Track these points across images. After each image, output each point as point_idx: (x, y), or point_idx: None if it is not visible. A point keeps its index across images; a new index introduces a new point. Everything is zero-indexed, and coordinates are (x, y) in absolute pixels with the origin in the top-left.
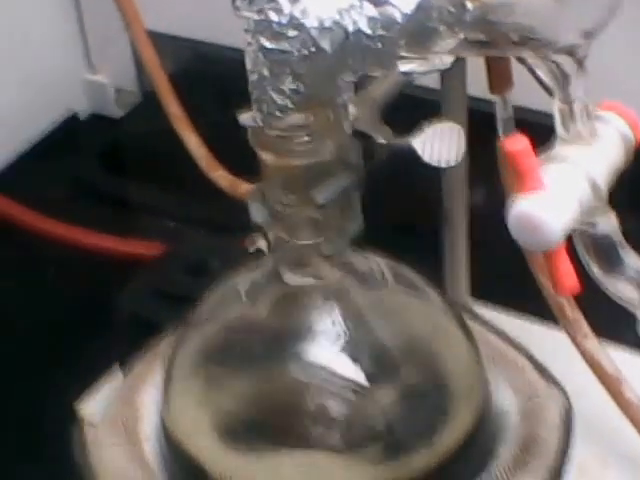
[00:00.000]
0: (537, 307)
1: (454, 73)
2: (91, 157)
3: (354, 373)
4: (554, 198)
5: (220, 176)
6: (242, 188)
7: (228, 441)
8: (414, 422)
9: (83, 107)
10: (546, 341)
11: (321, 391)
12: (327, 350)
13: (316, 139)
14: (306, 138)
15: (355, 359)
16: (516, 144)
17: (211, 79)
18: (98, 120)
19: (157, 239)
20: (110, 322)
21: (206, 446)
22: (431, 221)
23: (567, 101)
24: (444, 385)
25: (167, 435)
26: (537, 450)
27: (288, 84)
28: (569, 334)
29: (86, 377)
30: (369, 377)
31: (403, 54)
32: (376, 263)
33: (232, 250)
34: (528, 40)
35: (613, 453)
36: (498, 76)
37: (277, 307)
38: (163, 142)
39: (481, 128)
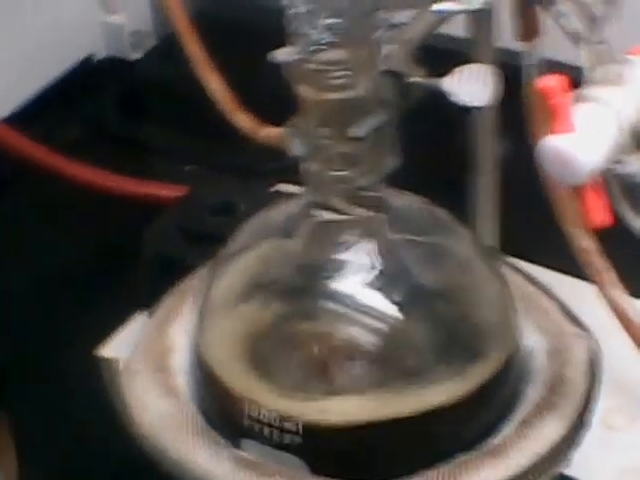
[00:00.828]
0: (563, 263)
1: (482, 21)
2: (107, 99)
3: (387, 307)
4: (584, 136)
5: (241, 119)
6: (263, 132)
7: (261, 372)
8: (445, 357)
9: (99, 49)
10: (573, 292)
11: (353, 323)
12: (360, 283)
13: (351, 74)
14: (342, 73)
15: (388, 293)
16: (550, 81)
17: (230, 23)
18: (114, 62)
19: (173, 182)
20: (130, 265)
21: (240, 376)
22: (460, 173)
23: (596, 43)
24: (475, 322)
25: (201, 366)
26: (564, 391)
27: (325, 20)
28: (596, 283)
29: (108, 321)
30: (401, 311)
31: None
32: (410, 201)
33: (256, 191)
34: None
35: (638, 405)
36: (525, 24)
37: (311, 241)
38: (181, 85)
39: (508, 80)
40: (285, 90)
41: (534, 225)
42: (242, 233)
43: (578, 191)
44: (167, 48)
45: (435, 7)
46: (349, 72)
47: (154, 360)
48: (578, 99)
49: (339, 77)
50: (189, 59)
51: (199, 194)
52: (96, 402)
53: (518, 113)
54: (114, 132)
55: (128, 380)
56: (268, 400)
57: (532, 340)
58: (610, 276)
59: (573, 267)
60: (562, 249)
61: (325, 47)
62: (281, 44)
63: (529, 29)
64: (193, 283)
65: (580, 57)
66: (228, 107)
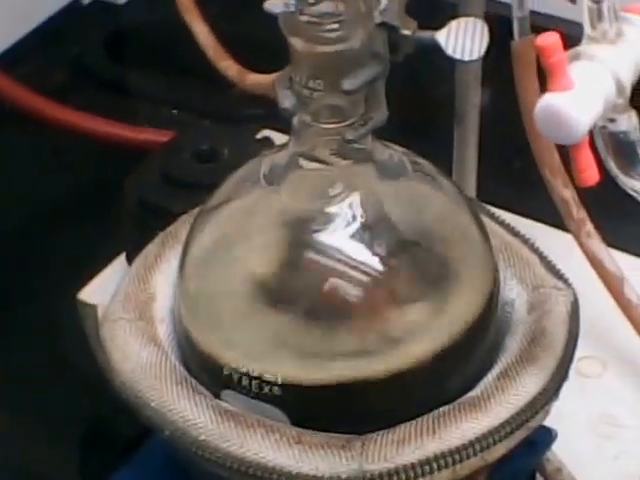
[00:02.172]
0: (540, 212)
1: None
2: (93, 43)
3: (369, 259)
4: (581, 94)
5: (228, 66)
6: (250, 79)
7: (242, 325)
8: (425, 309)
9: None
10: (550, 241)
11: (335, 276)
12: (344, 236)
13: (346, 27)
14: (336, 25)
15: (371, 245)
16: (547, 39)
17: None
18: (101, 6)
19: (159, 126)
20: (115, 209)
21: (219, 329)
22: (443, 121)
23: (595, 0)
24: (456, 272)
25: (180, 317)
26: (544, 343)
27: None
28: (573, 233)
29: (90, 266)
30: (384, 263)
31: None
32: (395, 153)
33: (241, 137)
34: None
35: (612, 354)
36: None
37: (296, 192)
38: (167, 30)
39: (496, 32)
40: (272, 38)
41: (511, 174)
42: (227, 183)
43: (571, 149)
44: None
45: None
46: (343, 25)
47: (135, 308)
48: (574, 57)
49: (333, 30)
50: (176, 4)
51: (183, 140)
52: (77, 345)
53: (504, 65)
54: (100, 76)
55: (109, 328)
56: (247, 356)
57: (512, 292)
58: (588, 226)
59: (550, 216)
60: (539, 198)
61: None
62: None
63: None
64: (176, 231)
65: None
66: (214, 54)
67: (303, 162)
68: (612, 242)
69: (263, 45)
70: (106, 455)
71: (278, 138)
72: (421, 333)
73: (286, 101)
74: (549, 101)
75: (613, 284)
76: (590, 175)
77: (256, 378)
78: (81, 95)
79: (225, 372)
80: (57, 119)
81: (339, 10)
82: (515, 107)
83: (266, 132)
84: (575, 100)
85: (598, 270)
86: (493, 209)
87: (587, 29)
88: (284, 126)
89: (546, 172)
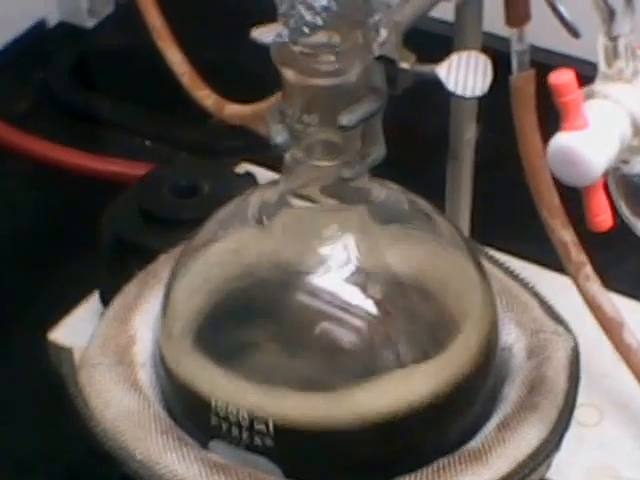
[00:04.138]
0: (540, 253)
1: (470, 5)
2: (60, 68)
3: (363, 301)
4: (596, 135)
5: (205, 95)
6: (228, 109)
7: (229, 368)
8: (422, 354)
9: (52, 14)
10: (548, 284)
11: (327, 318)
12: (336, 277)
13: (342, 60)
14: (332, 58)
15: (365, 287)
16: (561, 77)
17: None
18: (68, 29)
19: (132, 158)
20: (87, 245)
21: (205, 372)
22: (437, 159)
23: (612, 37)
24: (455, 318)
25: (163, 360)
26: (545, 391)
27: (320, 0)
28: (571, 275)
29: (61, 305)
30: (378, 306)
31: None
32: (392, 192)
33: (221, 172)
34: None
35: (610, 401)
36: (515, 7)
37: (287, 232)
38: (138, 55)
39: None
40: (251, 66)
41: (507, 212)
42: (212, 221)
43: (584, 192)
44: (124, 15)
45: None
46: (340, 57)
47: (115, 352)
48: (588, 95)
49: (329, 62)
50: (148, 28)
51: (160, 174)
52: (51, 389)
53: (500, 99)
54: (66, 103)
55: (88, 373)
56: (236, 398)
57: (511, 336)
58: (586, 269)
59: (546, 255)
60: (535, 238)
61: (317, 29)
62: (249, 18)
63: (519, 14)
64: (156, 270)
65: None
66: (190, 82)
67: (294, 201)
68: (611, 284)
69: (240, 74)
70: None
71: (259, 172)
72: (419, 380)
73: (278, 136)
74: (563, 141)
75: (612, 329)
76: (604, 219)
77: (247, 428)
78: (47, 123)
79: (213, 421)
80: (22, 148)
81: (335, 41)
82: (512, 143)
83: (245, 165)
84: (590, 140)
85: (596, 314)
86: (488, 249)
87: (602, 67)
88: (263, 158)
89: (544, 212)
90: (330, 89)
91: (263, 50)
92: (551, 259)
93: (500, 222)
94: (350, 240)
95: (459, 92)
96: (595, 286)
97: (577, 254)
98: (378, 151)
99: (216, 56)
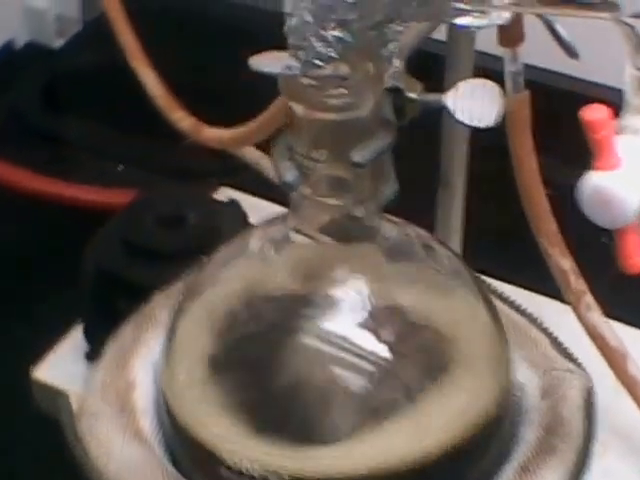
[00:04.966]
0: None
1: None
2: (28, 90)
3: (376, 347)
4: (630, 174)
5: (181, 117)
6: (206, 132)
7: (239, 418)
8: (437, 400)
9: (20, 34)
10: (548, 313)
11: (340, 365)
12: (348, 321)
13: (354, 93)
14: (344, 91)
15: (377, 332)
16: (595, 113)
17: (167, 9)
18: (36, 49)
19: (104, 183)
20: (68, 277)
21: (213, 423)
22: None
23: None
24: (469, 360)
25: (168, 411)
26: (562, 432)
27: (332, 31)
28: (571, 304)
29: (41, 342)
30: (392, 352)
31: (460, 6)
32: (401, 228)
33: (204, 200)
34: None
35: (614, 434)
36: (509, 28)
37: (295, 273)
38: (110, 76)
39: None
40: (226, 88)
41: (501, 240)
42: (214, 260)
43: (617, 233)
44: (94, 34)
45: (459, 21)
46: (352, 90)
47: (115, 399)
48: (619, 130)
49: (341, 96)
50: (120, 48)
51: (142, 203)
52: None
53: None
54: (36, 126)
55: (87, 423)
56: (249, 451)
57: (523, 376)
58: (587, 298)
59: (540, 283)
60: (532, 267)
61: (330, 61)
62: (225, 38)
63: (513, 35)
64: (152, 311)
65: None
66: (165, 104)
67: (302, 239)
68: (613, 313)
69: (216, 96)
70: None
71: (241, 198)
72: (434, 427)
73: (288, 174)
74: (596, 181)
75: (615, 360)
76: (638, 262)
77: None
78: (14, 147)
79: (223, 474)
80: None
81: (347, 73)
82: (506, 168)
83: (226, 190)
84: (624, 180)
85: (598, 344)
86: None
87: (630, 98)
88: (242, 182)
89: (543, 240)
90: (341, 124)
91: (241, 73)
92: (545, 285)
93: (494, 249)
94: (360, 280)
95: (467, 122)
96: (596, 315)
97: (577, 282)
98: (390, 187)
99: (190, 77)
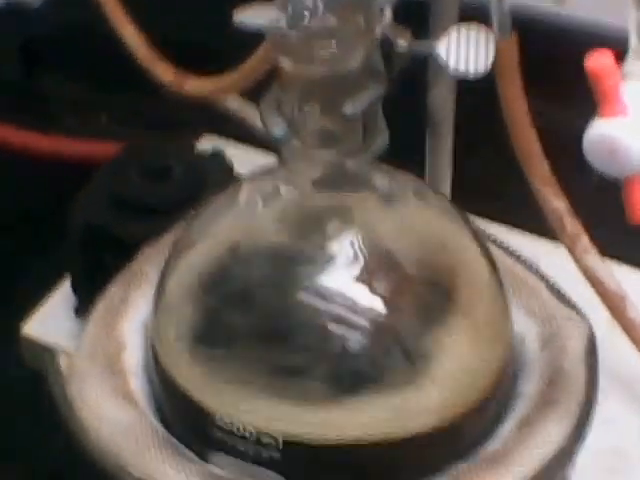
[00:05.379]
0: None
1: None
2: (7, 48)
3: (373, 302)
4: (637, 121)
5: (163, 70)
6: (188, 84)
7: (231, 377)
8: (436, 356)
9: None
10: (543, 255)
11: (335, 321)
12: (342, 275)
13: (344, 45)
14: (333, 44)
15: (373, 286)
16: (599, 60)
17: None
18: (14, 8)
19: (84, 136)
20: (54, 236)
21: (205, 382)
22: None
23: None
24: (468, 312)
25: (159, 370)
26: (564, 384)
27: None
28: (567, 248)
29: (31, 300)
30: (389, 307)
31: None
32: (396, 179)
33: (189, 151)
34: None
35: (614, 380)
36: None
37: (288, 224)
38: (89, 31)
39: None
40: (206, 38)
41: (491, 183)
42: (203, 214)
43: (625, 182)
44: None
45: None
46: (343, 43)
47: (104, 361)
48: (624, 76)
49: (331, 49)
50: (98, 3)
51: (128, 156)
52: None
53: None
54: (16, 85)
55: (78, 385)
56: (241, 410)
57: (522, 326)
58: (583, 240)
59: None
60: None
61: (318, 13)
62: None
63: None
64: (141, 268)
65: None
66: (145, 57)
67: (293, 193)
68: (611, 253)
69: (195, 47)
70: None
71: (225, 146)
72: (433, 385)
73: (277, 129)
74: (602, 130)
75: (614, 303)
76: None
77: (253, 442)
78: None
79: (215, 434)
80: None
81: (336, 26)
82: (494, 109)
83: (210, 138)
84: (631, 127)
85: (596, 288)
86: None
87: (634, 43)
88: (223, 131)
89: (535, 182)
90: (331, 77)
91: (221, 25)
92: (540, 229)
93: (483, 192)
94: (353, 231)
95: (461, 69)
96: (593, 258)
97: (572, 224)
98: (382, 139)
99: (170, 30)
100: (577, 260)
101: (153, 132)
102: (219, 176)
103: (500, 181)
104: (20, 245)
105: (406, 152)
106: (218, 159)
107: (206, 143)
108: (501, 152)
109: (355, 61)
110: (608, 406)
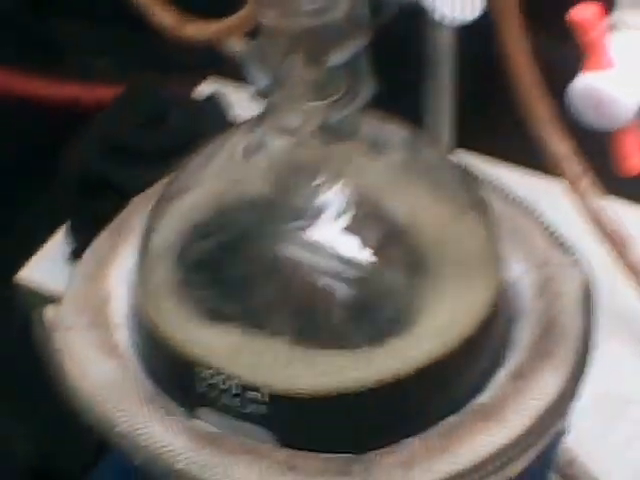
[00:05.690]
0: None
1: None
2: None
3: (361, 251)
4: (624, 73)
5: (163, 13)
6: (190, 28)
7: (217, 329)
8: (426, 303)
9: None
10: (542, 195)
11: (323, 271)
12: (332, 223)
13: None
14: None
15: (362, 235)
16: (583, 12)
17: None
18: None
19: (82, 78)
20: (50, 183)
21: (191, 335)
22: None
23: None
24: (457, 258)
25: (143, 322)
26: (559, 333)
27: None
28: (570, 189)
29: (25, 248)
30: (378, 255)
31: None
32: (386, 129)
33: (186, 95)
34: None
35: (614, 322)
36: None
37: (273, 176)
38: None
39: None
40: None
41: (492, 123)
42: (192, 163)
43: (613, 135)
44: None
45: None
46: None
47: (90, 313)
48: (610, 27)
49: (315, 1)
50: None
51: (124, 100)
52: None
53: None
54: (15, 25)
55: (62, 338)
56: (226, 362)
57: (515, 272)
58: (585, 181)
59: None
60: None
61: None
62: None
63: None
64: (129, 219)
65: None
66: (146, 1)
67: (279, 144)
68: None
69: None
70: None
71: (227, 89)
72: (425, 334)
73: (261, 81)
74: (588, 82)
75: (616, 244)
76: (636, 163)
77: (238, 395)
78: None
79: (201, 388)
80: None
81: None
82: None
83: (213, 81)
84: (618, 80)
85: (597, 229)
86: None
87: None
88: (227, 74)
89: (536, 123)
90: (315, 28)
91: None
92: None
93: (485, 132)
94: (341, 182)
95: (448, 20)
96: (595, 199)
97: (573, 166)
98: (368, 88)
99: None
100: (578, 201)
101: (155, 74)
102: (215, 121)
103: (501, 118)
104: (17, 194)
105: (406, 93)
106: (214, 101)
107: (209, 86)
108: (503, 92)
109: (340, 11)
110: (610, 349)
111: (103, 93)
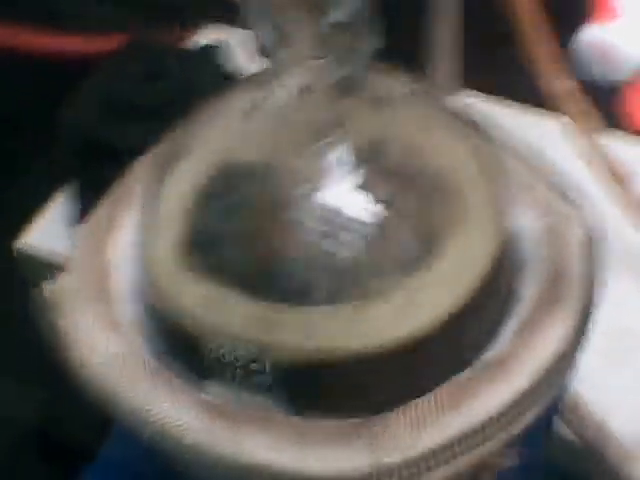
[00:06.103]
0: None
1: None
2: None
3: (367, 207)
4: (630, 24)
5: None
6: None
7: (222, 300)
8: (430, 260)
9: None
10: (544, 133)
11: (332, 227)
12: (338, 181)
13: None
14: None
15: (367, 191)
16: None
17: None
18: None
19: (78, 26)
20: (47, 143)
21: (195, 307)
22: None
23: None
24: (462, 211)
25: (147, 293)
26: (564, 284)
27: None
28: (574, 126)
29: (22, 212)
30: (382, 211)
31: None
32: (394, 83)
33: (184, 47)
34: None
35: (618, 259)
36: None
37: (279, 135)
38: None
39: None
40: None
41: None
42: (191, 126)
43: (620, 88)
44: None
45: None
46: None
47: (92, 286)
48: None
49: None
50: None
51: (123, 55)
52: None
53: None
54: None
55: (64, 312)
56: (229, 332)
57: (519, 224)
58: (589, 119)
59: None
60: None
61: None
62: None
63: None
64: (129, 184)
65: None
66: None
67: (285, 101)
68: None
69: None
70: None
71: (229, 34)
72: (432, 291)
73: (265, 38)
74: (593, 33)
75: (619, 180)
76: None
77: (243, 366)
78: None
79: (206, 360)
80: None
81: None
82: None
83: (214, 27)
84: (623, 30)
85: (604, 167)
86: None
87: None
88: (221, 16)
89: (537, 63)
90: None
91: None
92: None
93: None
94: (349, 137)
95: None
96: (598, 136)
97: (575, 104)
98: (373, 42)
99: None
100: (578, 138)
101: (157, 21)
102: (210, 73)
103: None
104: (17, 153)
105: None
106: (214, 51)
107: (212, 33)
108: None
109: None
110: (621, 286)
111: (103, 44)
